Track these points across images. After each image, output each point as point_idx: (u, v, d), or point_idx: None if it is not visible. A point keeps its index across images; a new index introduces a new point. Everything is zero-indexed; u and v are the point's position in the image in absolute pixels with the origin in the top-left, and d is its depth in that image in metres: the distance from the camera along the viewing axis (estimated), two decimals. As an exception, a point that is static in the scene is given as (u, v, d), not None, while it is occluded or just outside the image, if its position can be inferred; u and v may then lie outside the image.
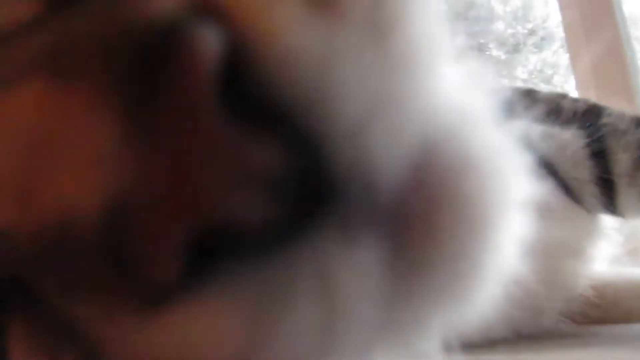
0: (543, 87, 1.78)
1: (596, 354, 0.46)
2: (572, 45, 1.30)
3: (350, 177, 0.15)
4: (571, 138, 0.55)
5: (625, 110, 0.57)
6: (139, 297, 0.15)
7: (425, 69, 0.17)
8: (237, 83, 0.14)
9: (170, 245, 0.14)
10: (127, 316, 0.15)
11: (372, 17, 0.16)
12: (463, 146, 0.17)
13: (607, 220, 0.60)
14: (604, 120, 0.56)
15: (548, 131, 0.54)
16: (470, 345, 0.20)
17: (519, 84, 1.67)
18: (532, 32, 1.83)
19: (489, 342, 0.46)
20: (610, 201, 0.54)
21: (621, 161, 0.53)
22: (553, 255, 0.53)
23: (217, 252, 0.15)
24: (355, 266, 0.16)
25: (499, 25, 1.86)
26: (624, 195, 0.53)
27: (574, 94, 1.31)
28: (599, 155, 0.54)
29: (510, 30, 1.85)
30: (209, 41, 0.14)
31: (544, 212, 0.20)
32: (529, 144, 0.20)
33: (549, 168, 0.53)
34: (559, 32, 1.52)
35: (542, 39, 1.81)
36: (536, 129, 0.53)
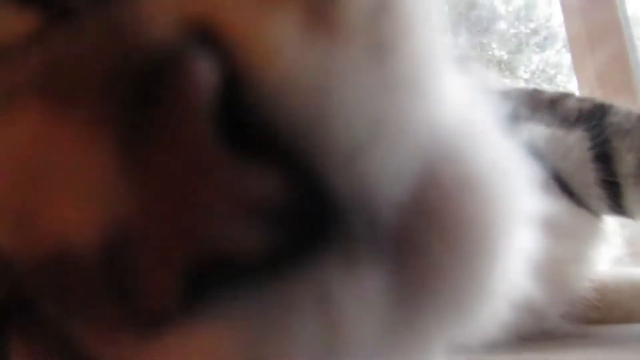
0: (546, 87, 1.77)
1: (597, 354, 0.46)
2: (575, 45, 1.30)
3: (352, 202, 0.15)
4: (575, 141, 0.54)
5: (633, 109, 0.57)
6: (138, 321, 0.15)
7: (427, 87, 0.16)
8: (234, 110, 0.14)
9: (169, 274, 0.14)
10: (126, 337, 0.15)
11: (372, 37, 0.16)
12: (466, 165, 0.16)
13: (610, 221, 0.60)
14: (611, 119, 0.56)
15: (552, 134, 0.54)
16: (469, 346, 0.20)
17: (522, 84, 1.66)
18: (534, 32, 1.83)
19: (489, 344, 0.46)
20: (617, 203, 0.53)
21: (626, 162, 0.53)
22: (556, 261, 0.53)
23: (217, 277, 0.14)
24: (358, 290, 0.15)
25: (501, 25, 1.85)
26: (631, 196, 0.53)
27: (577, 94, 1.30)
28: (604, 157, 0.53)
29: (512, 30, 1.85)
30: (205, 69, 0.14)
31: (547, 220, 0.19)
32: (533, 148, 0.20)
33: (554, 172, 0.53)
34: (562, 32, 1.51)
35: (545, 38, 1.81)
36: (540, 132, 0.53)
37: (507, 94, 0.59)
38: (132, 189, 0.14)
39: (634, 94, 1.16)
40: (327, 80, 0.15)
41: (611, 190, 0.53)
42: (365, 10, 0.16)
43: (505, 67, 1.77)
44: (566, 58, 1.63)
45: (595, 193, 0.54)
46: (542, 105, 0.59)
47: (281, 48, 0.15)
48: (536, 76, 1.82)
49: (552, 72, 1.80)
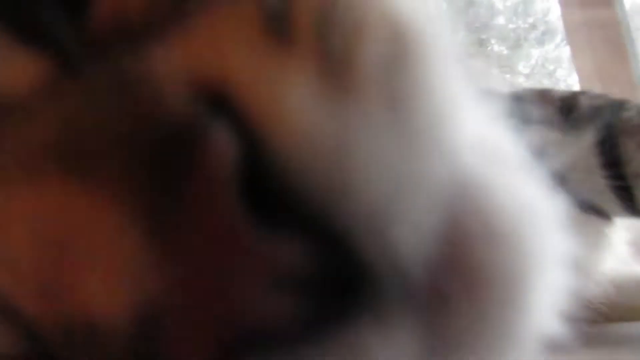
0: (546, 82, 1.77)
1: (601, 354, 0.46)
2: (573, 38, 1.29)
3: (381, 263, 0.15)
4: (584, 148, 0.53)
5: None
6: None
7: (448, 134, 0.16)
8: (256, 178, 0.14)
9: (202, 347, 0.14)
10: None
11: (389, 90, 0.15)
12: (491, 214, 0.16)
13: (618, 222, 0.59)
14: (623, 114, 0.55)
15: (562, 140, 0.53)
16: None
17: (521, 79, 1.66)
18: (533, 27, 1.83)
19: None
20: (630, 204, 0.53)
21: (637, 161, 0.52)
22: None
23: (250, 346, 0.14)
24: (392, 350, 0.15)
25: (500, 21, 1.85)
26: None
27: (576, 87, 1.30)
28: (613, 161, 0.53)
29: (511, 25, 1.85)
30: (223, 139, 0.14)
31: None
32: (543, 156, 0.19)
33: (563, 179, 0.52)
34: (560, 26, 1.51)
35: (544, 33, 1.81)
36: (551, 137, 0.52)
37: (517, 97, 0.58)
38: (160, 263, 0.14)
39: (634, 87, 1.16)
40: (347, 139, 0.15)
41: (623, 194, 0.53)
42: (380, 63, 0.16)
43: (505, 62, 1.77)
44: (565, 52, 1.63)
45: (607, 197, 0.53)
46: (553, 105, 0.58)
47: (298, 110, 0.15)
48: (536, 71, 1.81)
49: (552, 66, 1.79)
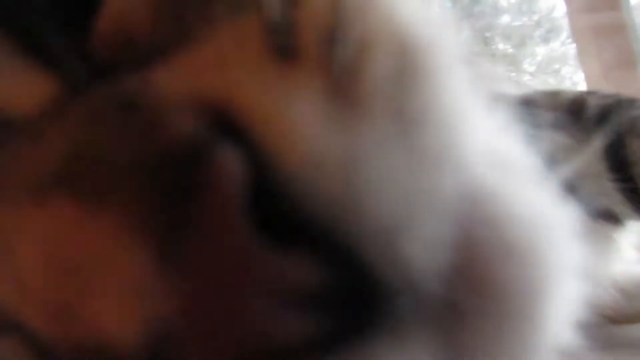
0: (551, 80, 1.76)
1: (608, 357, 0.46)
2: (579, 36, 1.29)
3: (395, 279, 0.15)
4: (592, 154, 0.53)
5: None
6: None
7: (459, 148, 0.16)
8: (265, 197, 0.14)
9: None
10: None
11: (399, 108, 0.15)
12: (504, 228, 0.16)
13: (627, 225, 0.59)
14: (632, 112, 0.54)
15: (570, 146, 0.53)
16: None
17: (527, 78, 1.65)
18: (538, 24, 1.82)
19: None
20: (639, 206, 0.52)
21: None
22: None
23: None
24: None
25: (505, 19, 1.84)
26: None
27: (582, 85, 1.29)
28: (620, 164, 0.52)
29: (516, 23, 1.84)
30: (232, 160, 0.14)
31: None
32: (554, 163, 0.19)
33: (573, 187, 0.52)
34: (566, 23, 1.50)
35: (549, 30, 1.80)
36: (560, 143, 0.52)
37: (528, 100, 0.58)
38: (171, 284, 0.14)
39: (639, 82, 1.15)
40: (355, 156, 0.14)
41: (633, 196, 0.52)
42: (388, 77, 0.15)
43: (510, 60, 1.76)
44: (571, 49, 1.62)
45: (617, 201, 0.53)
46: (562, 108, 0.58)
47: (305, 128, 0.14)
48: (541, 69, 1.81)
49: (558, 64, 1.78)
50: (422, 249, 0.15)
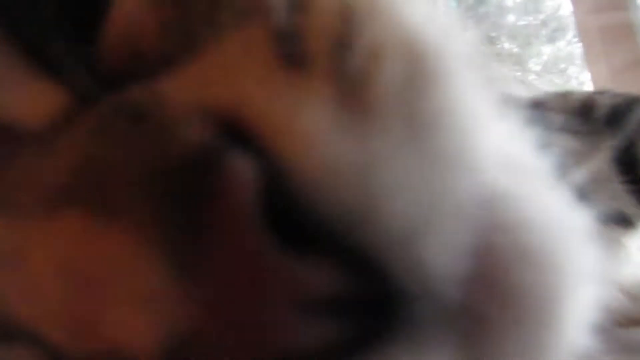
0: (557, 80, 1.75)
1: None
2: (585, 35, 1.28)
3: (413, 284, 0.15)
4: (602, 157, 0.53)
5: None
6: None
7: (473, 152, 0.16)
8: (279, 204, 0.14)
9: None
10: None
11: (410, 112, 0.15)
12: (520, 232, 0.16)
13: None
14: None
15: (580, 150, 0.53)
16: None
17: (532, 77, 1.65)
18: (544, 24, 1.81)
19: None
20: None
21: None
22: None
23: None
24: None
25: (510, 18, 1.84)
26: None
27: (589, 84, 1.29)
28: (629, 165, 0.52)
29: (521, 23, 1.83)
30: (242, 167, 0.14)
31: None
32: (565, 167, 0.19)
33: (583, 191, 0.52)
34: (572, 22, 1.50)
35: (555, 30, 1.79)
36: (570, 146, 0.52)
37: (538, 102, 0.58)
38: (187, 291, 0.14)
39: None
40: (368, 161, 0.14)
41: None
42: (399, 83, 0.15)
43: (516, 60, 1.75)
44: (577, 48, 1.62)
45: (628, 202, 0.53)
46: (572, 110, 0.57)
47: (316, 134, 0.14)
48: (547, 69, 1.80)
49: (564, 63, 1.78)
50: (439, 252, 0.15)
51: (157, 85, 0.16)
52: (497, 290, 0.16)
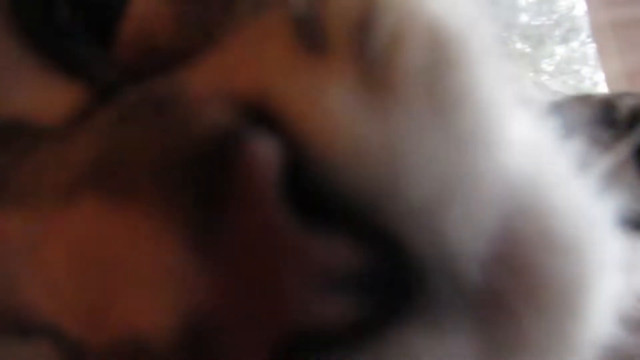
0: (571, 81, 1.74)
1: None
2: (599, 35, 1.27)
3: (434, 264, 0.15)
4: (623, 158, 0.52)
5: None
6: None
7: (496, 136, 0.16)
8: (303, 185, 0.14)
9: (255, 353, 0.14)
10: None
11: (433, 92, 0.15)
12: (544, 218, 0.16)
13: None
14: None
15: (601, 153, 0.52)
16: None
17: (545, 78, 1.64)
18: (557, 24, 1.80)
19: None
20: None
21: None
22: None
23: (303, 350, 0.14)
24: (446, 354, 0.15)
25: (523, 18, 1.83)
26: None
27: (603, 85, 1.28)
28: None
29: (534, 23, 1.82)
30: (265, 149, 0.14)
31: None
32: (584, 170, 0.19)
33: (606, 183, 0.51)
34: (586, 22, 1.49)
35: (568, 30, 1.78)
36: (589, 150, 0.51)
37: (558, 105, 0.58)
38: (206, 271, 0.14)
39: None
40: (392, 140, 0.15)
41: None
42: (422, 66, 0.15)
43: (528, 61, 1.75)
44: (591, 49, 1.61)
45: None
46: (592, 112, 0.57)
47: (339, 114, 0.14)
48: (560, 69, 1.79)
49: (577, 64, 1.77)
50: (461, 232, 0.15)
51: (177, 76, 0.16)
52: (520, 276, 0.15)
